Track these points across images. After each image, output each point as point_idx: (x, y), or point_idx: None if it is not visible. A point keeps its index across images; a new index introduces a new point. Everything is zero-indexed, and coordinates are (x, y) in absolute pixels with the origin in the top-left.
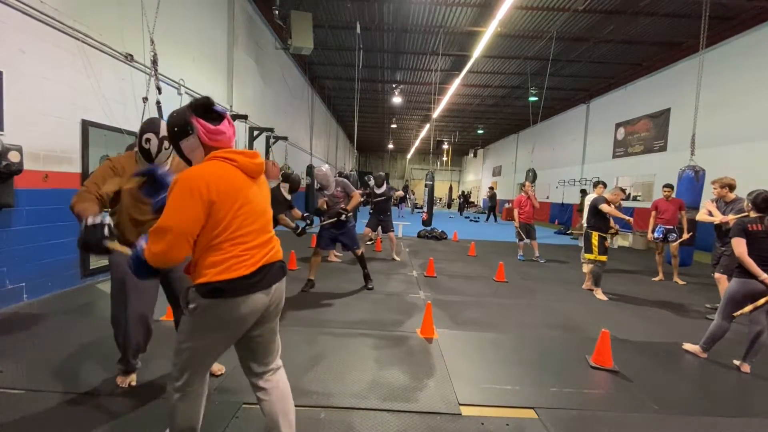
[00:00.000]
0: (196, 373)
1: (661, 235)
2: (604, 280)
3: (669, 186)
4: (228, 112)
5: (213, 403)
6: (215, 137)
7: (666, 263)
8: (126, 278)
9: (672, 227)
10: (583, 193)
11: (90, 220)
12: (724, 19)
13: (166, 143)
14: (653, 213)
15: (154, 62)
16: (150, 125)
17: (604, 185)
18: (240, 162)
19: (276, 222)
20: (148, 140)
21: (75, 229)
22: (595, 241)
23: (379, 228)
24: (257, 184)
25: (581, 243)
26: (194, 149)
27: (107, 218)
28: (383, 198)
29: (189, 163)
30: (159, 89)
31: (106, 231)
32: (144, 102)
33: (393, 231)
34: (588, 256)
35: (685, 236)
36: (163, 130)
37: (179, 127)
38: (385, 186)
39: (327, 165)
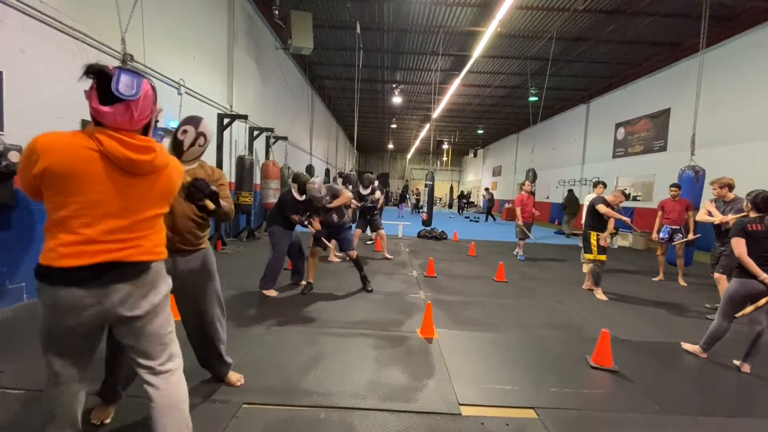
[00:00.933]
0: (54, 366)
1: (666, 236)
2: (604, 280)
3: (676, 185)
4: (133, 94)
5: (213, 403)
6: (96, 114)
7: (667, 263)
8: None
9: (678, 227)
10: (570, 192)
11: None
12: (724, 19)
13: (201, 140)
14: (659, 213)
15: (124, 62)
16: (190, 119)
17: (604, 185)
18: (106, 146)
19: (287, 220)
20: (185, 131)
21: None
22: (593, 240)
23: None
24: (135, 180)
25: (581, 243)
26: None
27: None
28: (367, 200)
29: None
30: None
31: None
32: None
33: (382, 229)
34: (588, 256)
35: (691, 237)
36: (204, 128)
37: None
38: (371, 188)
39: (318, 178)
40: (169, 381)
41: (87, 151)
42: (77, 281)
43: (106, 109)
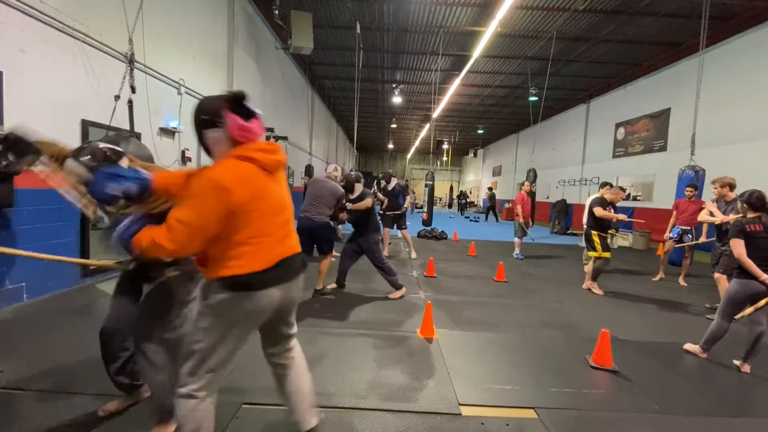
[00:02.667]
0: (218, 373)
1: (676, 236)
2: (604, 280)
3: (693, 186)
4: (258, 113)
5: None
6: (244, 133)
7: (669, 264)
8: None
9: (689, 228)
10: (563, 201)
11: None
12: (724, 19)
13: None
14: (674, 213)
15: (131, 61)
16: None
17: (611, 186)
18: (261, 160)
19: (336, 217)
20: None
21: (75, 229)
22: (596, 239)
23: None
24: (275, 180)
25: (581, 242)
26: (219, 142)
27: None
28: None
29: (209, 153)
30: (133, 89)
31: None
32: (115, 100)
33: (405, 228)
34: (592, 254)
35: (703, 240)
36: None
37: (209, 116)
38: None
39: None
40: (297, 346)
41: (254, 171)
42: (276, 280)
43: (253, 125)
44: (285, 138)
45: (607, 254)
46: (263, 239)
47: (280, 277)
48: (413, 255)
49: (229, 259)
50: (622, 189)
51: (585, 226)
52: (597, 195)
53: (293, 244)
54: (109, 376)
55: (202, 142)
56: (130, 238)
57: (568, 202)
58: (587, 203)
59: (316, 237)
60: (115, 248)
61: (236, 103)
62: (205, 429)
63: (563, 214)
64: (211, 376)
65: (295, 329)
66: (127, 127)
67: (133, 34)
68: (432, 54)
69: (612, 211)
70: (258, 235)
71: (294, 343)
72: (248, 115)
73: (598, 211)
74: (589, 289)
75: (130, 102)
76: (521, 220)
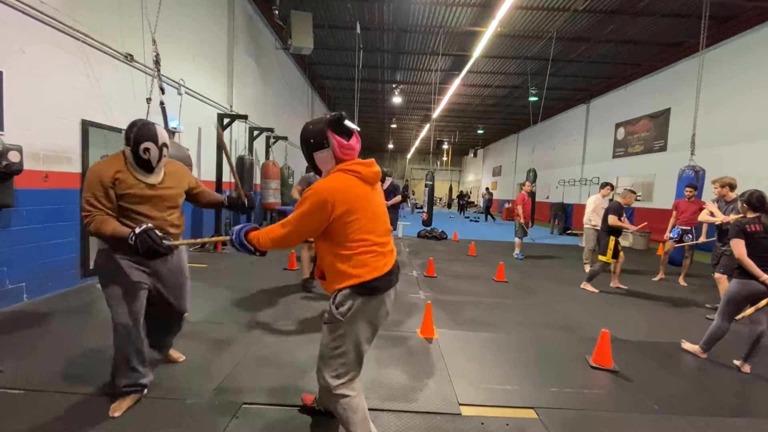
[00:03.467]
0: (355, 370)
1: (676, 236)
2: (605, 279)
3: (692, 186)
4: (357, 129)
5: (213, 403)
6: (346, 151)
7: (669, 264)
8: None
9: (689, 228)
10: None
11: (138, 230)
12: (724, 19)
13: (165, 150)
14: (674, 213)
15: (157, 62)
16: (147, 133)
17: (612, 187)
18: (363, 173)
19: None
20: (147, 150)
21: (75, 229)
22: (611, 245)
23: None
24: (375, 191)
25: (582, 243)
26: (327, 161)
27: (144, 224)
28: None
29: (318, 172)
30: (162, 90)
31: (157, 232)
32: (148, 102)
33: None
34: (602, 258)
35: (702, 240)
36: (162, 137)
37: (316, 139)
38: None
39: None
40: None
41: (357, 182)
42: (391, 284)
43: (353, 143)
44: (285, 138)
45: (613, 261)
46: (376, 247)
47: (390, 283)
48: None
49: (350, 269)
50: (633, 192)
51: (587, 226)
52: (596, 195)
53: (394, 254)
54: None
55: (312, 163)
56: (244, 237)
57: (569, 202)
58: (588, 203)
59: None
60: (231, 248)
61: (338, 123)
62: (364, 415)
63: (562, 214)
64: (352, 375)
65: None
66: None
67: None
68: (432, 54)
69: (624, 214)
70: (369, 244)
71: None
72: (349, 133)
73: (612, 220)
74: (583, 288)
75: (162, 104)
76: (521, 220)
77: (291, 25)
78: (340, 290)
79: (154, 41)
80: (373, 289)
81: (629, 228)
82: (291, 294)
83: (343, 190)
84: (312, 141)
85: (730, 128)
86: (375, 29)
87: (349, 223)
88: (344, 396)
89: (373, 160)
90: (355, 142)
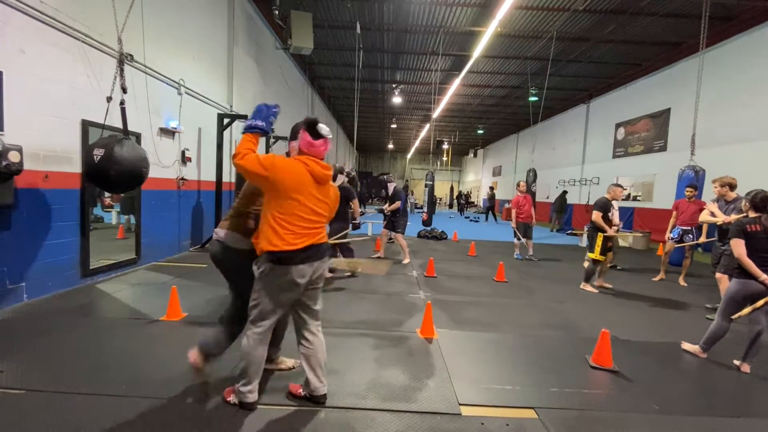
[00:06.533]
0: (268, 320)
1: (677, 236)
2: (606, 279)
3: (693, 186)
4: (329, 136)
5: (213, 403)
6: (309, 147)
7: (669, 263)
8: None
9: (690, 228)
10: (564, 193)
11: None
12: (724, 19)
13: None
14: (674, 213)
15: (121, 61)
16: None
17: (621, 189)
18: (310, 166)
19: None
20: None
21: (75, 229)
22: (599, 242)
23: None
24: (321, 189)
25: (582, 243)
26: (294, 150)
27: None
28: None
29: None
30: (124, 89)
31: None
32: (107, 101)
33: (400, 232)
34: (590, 255)
35: (703, 240)
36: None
37: (293, 132)
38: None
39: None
40: (319, 330)
41: (303, 170)
42: (304, 260)
43: (318, 143)
44: (285, 138)
45: (601, 258)
46: (297, 226)
47: (304, 259)
48: (406, 260)
49: (270, 239)
50: (620, 186)
51: (590, 227)
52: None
53: (323, 236)
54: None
55: (290, 148)
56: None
57: (568, 202)
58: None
59: None
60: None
61: (311, 125)
62: (261, 358)
63: (562, 210)
64: (263, 323)
65: (319, 308)
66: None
67: (127, 33)
68: (432, 54)
69: (613, 209)
70: (293, 222)
71: (319, 322)
72: (319, 136)
73: (596, 216)
74: (582, 288)
75: (122, 103)
76: (513, 224)
77: (291, 25)
78: (263, 253)
79: (119, 40)
80: (280, 259)
81: (608, 230)
82: None
83: (283, 168)
84: (292, 132)
85: (730, 128)
86: (375, 29)
87: (284, 199)
88: (251, 337)
89: (329, 165)
90: (321, 144)
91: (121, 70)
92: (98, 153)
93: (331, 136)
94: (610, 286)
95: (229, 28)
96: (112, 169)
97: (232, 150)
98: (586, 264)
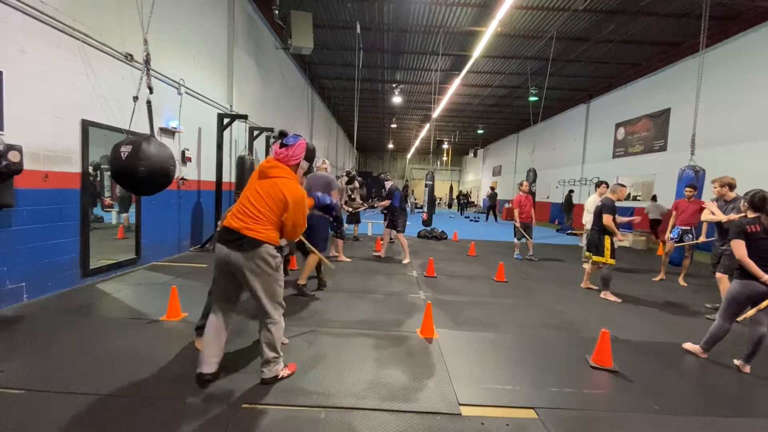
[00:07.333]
0: (215, 294)
1: (676, 236)
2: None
3: (692, 186)
4: (294, 141)
5: (213, 403)
6: (274, 153)
7: (670, 264)
8: None
9: (689, 228)
10: (571, 192)
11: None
12: (724, 19)
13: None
14: (673, 213)
15: (147, 62)
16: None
17: (607, 185)
18: (260, 165)
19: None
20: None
21: (75, 229)
22: (607, 244)
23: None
24: (262, 182)
25: (582, 243)
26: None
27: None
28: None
29: None
30: (150, 89)
31: None
32: (134, 101)
33: (401, 231)
34: (598, 258)
35: (702, 239)
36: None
37: (309, 154)
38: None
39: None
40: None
41: (257, 170)
42: (220, 238)
43: (281, 150)
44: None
45: (612, 261)
46: (234, 211)
47: (223, 239)
48: (406, 260)
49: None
50: (623, 186)
51: (587, 227)
52: (594, 196)
53: (242, 221)
54: None
55: None
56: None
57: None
58: (587, 204)
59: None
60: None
61: (279, 137)
62: (214, 329)
63: (570, 209)
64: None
65: (264, 306)
66: (128, 128)
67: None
68: (432, 54)
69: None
70: (236, 208)
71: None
72: (284, 145)
73: (607, 220)
74: (588, 288)
75: (148, 102)
76: (517, 223)
77: (291, 25)
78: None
79: (145, 41)
80: (216, 234)
81: (618, 235)
82: (290, 294)
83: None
84: (307, 153)
85: (730, 128)
86: (375, 29)
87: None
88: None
89: (270, 159)
90: (282, 150)
91: (148, 71)
92: (125, 150)
93: (292, 143)
94: (596, 287)
95: (229, 28)
96: (141, 166)
97: (231, 150)
98: (585, 265)
